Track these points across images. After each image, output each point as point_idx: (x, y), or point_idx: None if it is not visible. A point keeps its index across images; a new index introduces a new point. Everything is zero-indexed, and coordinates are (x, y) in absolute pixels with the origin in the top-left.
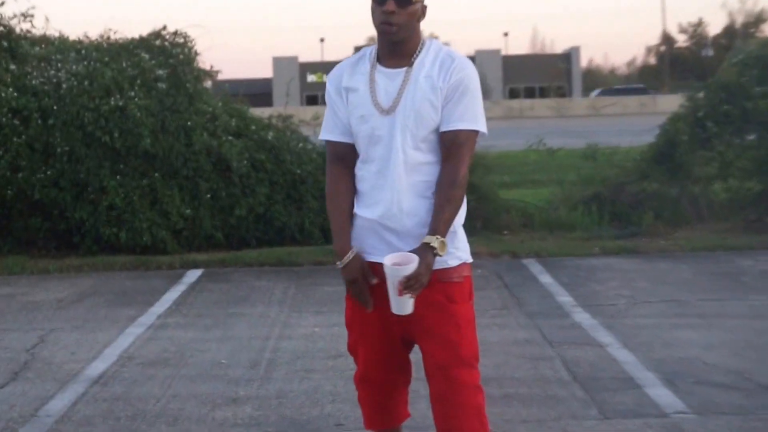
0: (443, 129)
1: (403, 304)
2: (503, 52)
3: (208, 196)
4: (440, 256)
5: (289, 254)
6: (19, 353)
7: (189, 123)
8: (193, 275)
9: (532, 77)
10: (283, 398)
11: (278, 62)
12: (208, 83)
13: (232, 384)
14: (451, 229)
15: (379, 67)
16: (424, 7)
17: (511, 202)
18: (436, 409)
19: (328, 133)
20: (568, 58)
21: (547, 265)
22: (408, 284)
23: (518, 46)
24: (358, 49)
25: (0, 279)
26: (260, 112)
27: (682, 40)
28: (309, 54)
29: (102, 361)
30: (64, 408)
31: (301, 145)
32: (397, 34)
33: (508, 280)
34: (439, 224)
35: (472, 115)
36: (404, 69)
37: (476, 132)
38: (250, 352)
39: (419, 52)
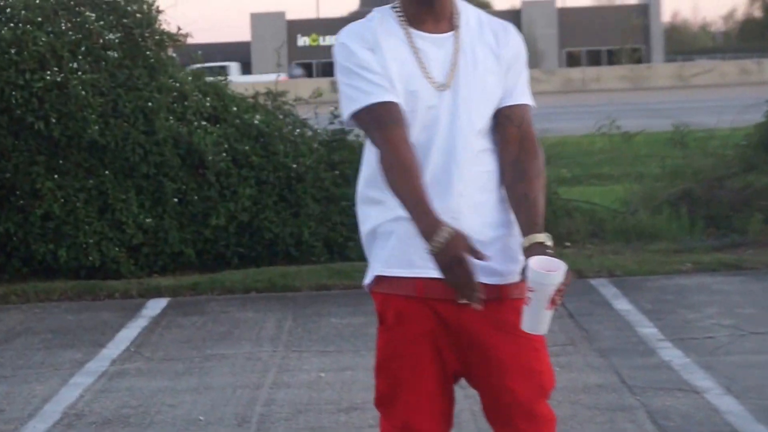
0: (509, 103)
1: (546, 320)
2: (558, 3)
3: (176, 200)
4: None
5: (283, 276)
6: None
7: (150, 104)
8: (156, 306)
9: (598, 37)
10: None
11: (259, 20)
12: (173, 51)
13: None
14: (515, 231)
15: (415, 32)
16: None
17: (573, 203)
18: None
19: (371, 95)
20: (644, 10)
21: (623, 287)
22: (562, 292)
23: None
24: (365, 1)
25: None
26: (243, 88)
27: None
28: (300, 9)
29: (41, 420)
30: None
31: (298, 131)
32: None
33: (574, 307)
34: (540, 219)
35: (529, 89)
36: (450, 34)
37: None
38: (236, 405)
39: (458, 12)
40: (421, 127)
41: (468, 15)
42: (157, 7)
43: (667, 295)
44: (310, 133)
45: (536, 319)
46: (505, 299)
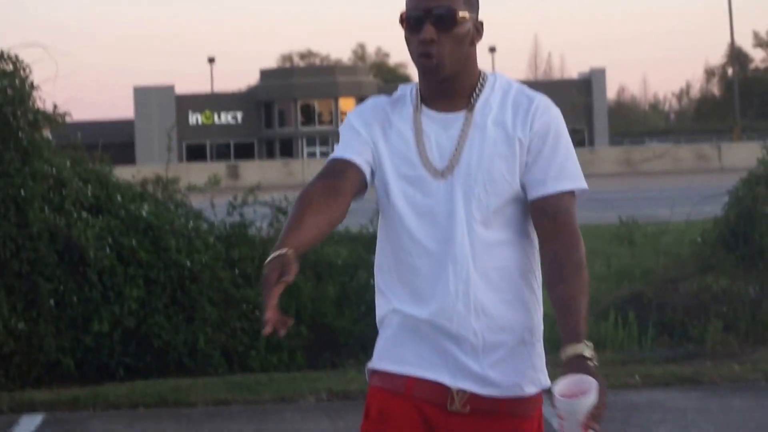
0: (540, 194)
1: None
2: None
3: (52, 302)
4: (595, 366)
5: (175, 390)
6: None
7: (22, 192)
8: (30, 423)
9: None
10: None
11: (143, 95)
12: (48, 132)
13: None
14: (528, 338)
15: (426, 111)
16: (479, 25)
17: None
18: None
19: (333, 154)
20: (587, 86)
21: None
22: (596, 415)
23: (512, 67)
24: (265, 73)
25: None
26: (128, 175)
27: (759, 58)
28: (191, 83)
29: None
30: None
31: (191, 224)
32: (440, 70)
33: None
34: (581, 324)
35: (573, 170)
36: (462, 113)
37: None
38: None
39: (480, 89)
40: (418, 215)
41: (493, 90)
42: (31, 82)
43: (613, 412)
44: (205, 226)
45: None
46: (501, 414)
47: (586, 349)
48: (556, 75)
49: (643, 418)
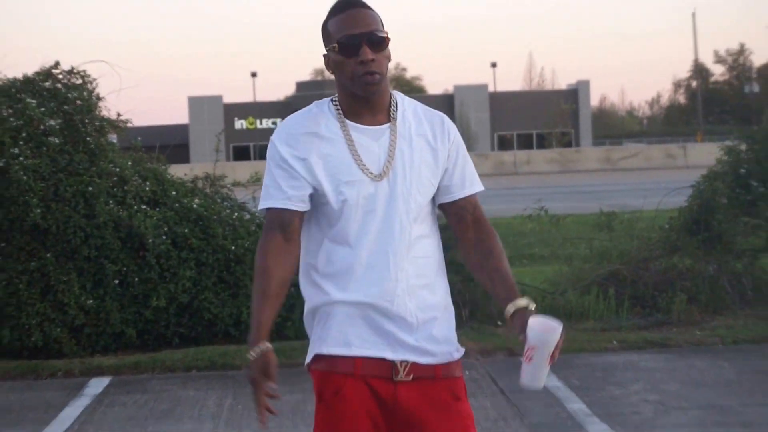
0: (462, 195)
1: (545, 376)
2: (491, 88)
3: (116, 281)
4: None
5: (223, 355)
6: None
7: (90, 188)
8: (98, 385)
9: (528, 121)
10: None
11: (196, 103)
12: (114, 136)
13: None
14: (446, 315)
15: (352, 124)
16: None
17: None
18: None
19: (272, 199)
20: (574, 95)
21: (553, 365)
22: (559, 349)
23: (510, 80)
24: (300, 85)
25: None
26: (182, 172)
27: (719, 72)
28: (236, 93)
29: None
30: None
31: (236, 214)
32: (379, 85)
33: (504, 384)
34: (516, 287)
35: (477, 175)
36: (386, 126)
37: None
38: None
39: (395, 105)
40: (359, 213)
41: (405, 107)
42: (97, 94)
43: (595, 372)
44: (248, 216)
45: (537, 374)
46: (438, 378)
47: (530, 302)
48: (548, 86)
49: (620, 377)
